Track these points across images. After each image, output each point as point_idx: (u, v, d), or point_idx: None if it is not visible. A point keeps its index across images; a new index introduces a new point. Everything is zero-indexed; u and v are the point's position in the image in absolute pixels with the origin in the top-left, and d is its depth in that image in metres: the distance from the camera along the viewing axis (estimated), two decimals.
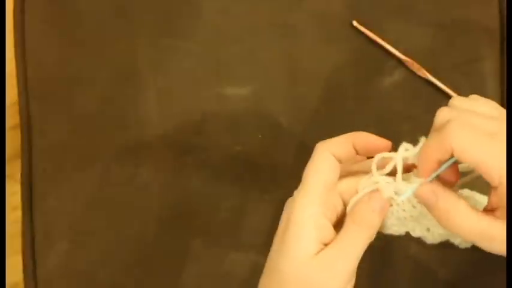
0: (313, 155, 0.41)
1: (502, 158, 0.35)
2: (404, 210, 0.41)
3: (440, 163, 0.38)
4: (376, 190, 0.40)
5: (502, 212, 0.36)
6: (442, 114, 0.38)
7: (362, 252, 0.40)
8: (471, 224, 0.37)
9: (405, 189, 0.39)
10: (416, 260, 0.57)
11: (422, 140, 0.39)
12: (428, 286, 0.57)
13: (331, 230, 0.40)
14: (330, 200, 0.41)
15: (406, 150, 0.40)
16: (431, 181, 0.38)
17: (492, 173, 0.35)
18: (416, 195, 0.39)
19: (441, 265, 0.57)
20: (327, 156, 0.41)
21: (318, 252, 0.39)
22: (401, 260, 0.56)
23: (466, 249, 0.43)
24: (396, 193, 0.40)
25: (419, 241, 0.44)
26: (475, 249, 0.40)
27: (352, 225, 0.40)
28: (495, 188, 0.36)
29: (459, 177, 0.39)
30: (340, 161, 0.41)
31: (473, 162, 0.35)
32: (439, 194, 0.38)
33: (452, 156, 0.36)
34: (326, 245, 0.40)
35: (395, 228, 0.43)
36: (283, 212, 0.42)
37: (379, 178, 0.40)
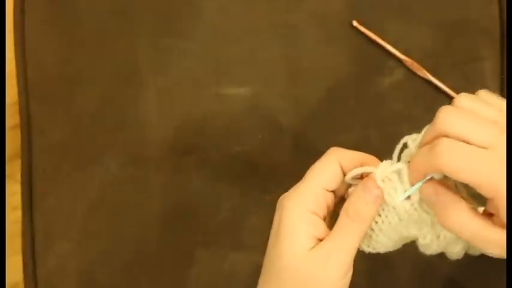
0: (322, 157, 0.42)
1: (495, 171, 0.35)
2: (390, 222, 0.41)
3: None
4: (369, 179, 0.40)
5: (497, 219, 0.37)
6: (440, 119, 0.37)
7: (358, 244, 0.40)
8: (467, 222, 0.37)
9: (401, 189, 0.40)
10: (415, 260, 0.57)
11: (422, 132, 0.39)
12: (427, 286, 0.57)
13: (323, 225, 0.41)
14: (324, 200, 0.41)
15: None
16: (432, 181, 0.39)
17: (483, 189, 0.36)
18: (420, 192, 0.39)
19: (440, 265, 0.57)
20: (332, 162, 0.41)
21: (314, 246, 0.40)
22: (400, 261, 0.57)
23: None
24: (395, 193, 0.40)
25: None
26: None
27: (346, 218, 0.40)
28: (490, 199, 0.37)
29: None
30: (344, 174, 0.41)
31: (464, 181, 0.36)
32: (440, 191, 0.38)
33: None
34: (321, 240, 0.40)
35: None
36: (276, 210, 0.42)
37: (370, 168, 0.40)
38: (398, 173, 0.40)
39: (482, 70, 0.59)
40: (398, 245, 0.44)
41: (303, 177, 0.41)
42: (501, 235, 0.36)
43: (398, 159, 0.41)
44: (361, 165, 0.41)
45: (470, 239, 0.37)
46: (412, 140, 0.40)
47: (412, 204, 0.40)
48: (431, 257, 0.43)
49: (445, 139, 0.36)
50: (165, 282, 0.59)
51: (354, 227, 0.40)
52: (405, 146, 0.41)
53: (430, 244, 0.42)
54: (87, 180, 0.60)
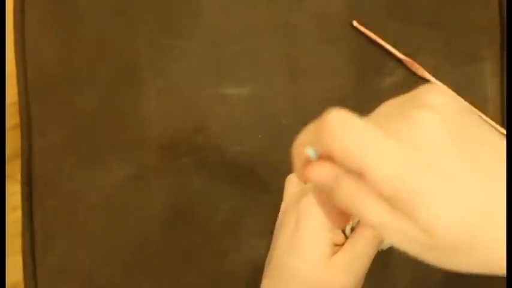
0: None
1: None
2: None
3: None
4: None
5: None
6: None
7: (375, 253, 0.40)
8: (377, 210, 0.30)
9: None
10: (416, 260, 0.57)
11: None
12: (428, 286, 0.57)
13: (340, 232, 0.41)
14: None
15: None
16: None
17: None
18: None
19: None
20: None
21: (334, 254, 0.40)
22: (402, 260, 0.56)
23: None
24: None
25: None
26: None
27: (369, 229, 0.40)
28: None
29: None
30: None
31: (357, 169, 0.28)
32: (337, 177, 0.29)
33: None
34: (337, 245, 0.40)
35: None
36: (289, 211, 0.41)
37: None
38: None
39: (482, 70, 0.59)
40: None
41: None
42: (404, 223, 0.29)
43: None
44: None
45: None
46: None
47: None
48: None
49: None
50: (165, 282, 0.59)
51: (376, 237, 0.40)
52: None
53: None
54: (87, 180, 0.60)
